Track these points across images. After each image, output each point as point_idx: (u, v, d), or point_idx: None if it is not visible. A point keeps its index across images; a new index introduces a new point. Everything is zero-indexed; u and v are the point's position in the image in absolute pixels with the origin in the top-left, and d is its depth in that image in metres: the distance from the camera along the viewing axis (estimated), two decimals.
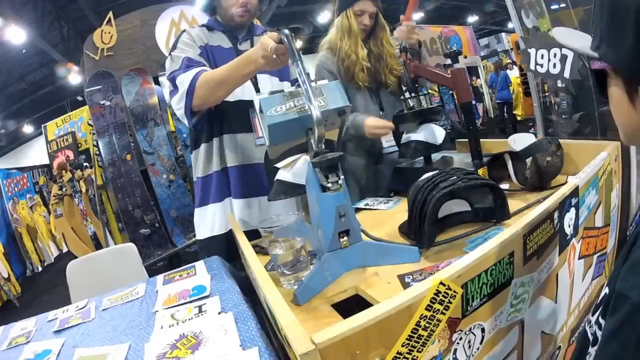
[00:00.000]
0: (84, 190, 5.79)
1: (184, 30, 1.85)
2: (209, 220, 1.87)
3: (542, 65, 2.29)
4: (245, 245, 1.34)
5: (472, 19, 16.13)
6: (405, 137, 1.94)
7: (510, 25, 15.90)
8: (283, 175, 1.46)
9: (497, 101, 10.29)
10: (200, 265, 1.63)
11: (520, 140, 1.65)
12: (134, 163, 4.88)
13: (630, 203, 2.13)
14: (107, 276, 2.25)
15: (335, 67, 2.16)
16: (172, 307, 1.33)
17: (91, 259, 2.38)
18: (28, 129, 14.59)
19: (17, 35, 7.85)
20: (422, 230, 1.19)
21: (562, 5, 3.61)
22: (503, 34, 14.58)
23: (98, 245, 5.57)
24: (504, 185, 1.65)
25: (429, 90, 2.25)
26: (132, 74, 4.97)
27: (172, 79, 1.71)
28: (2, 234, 6.46)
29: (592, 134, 2.69)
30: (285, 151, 1.39)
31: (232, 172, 1.83)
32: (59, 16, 9.54)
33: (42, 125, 6.77)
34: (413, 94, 1.95)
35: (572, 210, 1.19)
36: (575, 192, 1.19)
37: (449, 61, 1.80)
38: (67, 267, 2.27)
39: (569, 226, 1.18)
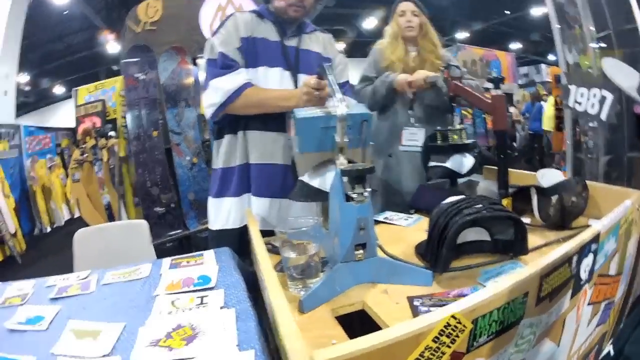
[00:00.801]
0: (105, 159, 5.76)
1: (232, 14, 1.84)
2: (224, 213, 1.84)
3: (580, 104, 2.25)
4: (257, 241, 1.32)
5: (515, 45, 15.98)
6: (433, 160, 1.95)
7: (551, 57, 15.78)
8: (309, 178, 1.45)
9: (529, 132, 10.18)
10: (209, 254, 1.59)
11: (547, 176, 1.63)
12: (160, 140, 4.86)
13: None
14: (115, 250, 2.22)
15: (375, 70, 2.38)
16: (174, 293, 1.30)
17: (101, 229, 2.36)
18: (59, 89, 14.62)
19: None
20: (439, 254, 1.17)
21: (604, 45, 3.54)
22: (543, 65, 14.40)
23: (111, 216, 5.55)
24: (526, 220, 1.60)
25: (462, 111, 2.27)
26: (171, 51, 4.95)
27: (209, 70, 1.75)
28: (16, 190, 6.47)
29: (619, 178, 2.62)
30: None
31: (254, 168, 1.80)
32: None
33: (74, 89, 6.72)
34: (450, 114, 1.94)
35: (591, 256, 1.15)
36: (596, 238, 1.15)
37: (486, 84, 1.79)
38: (75, 235, 2.25)
39: (585, 271, 1.14)
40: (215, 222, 1.88)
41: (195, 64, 5.05)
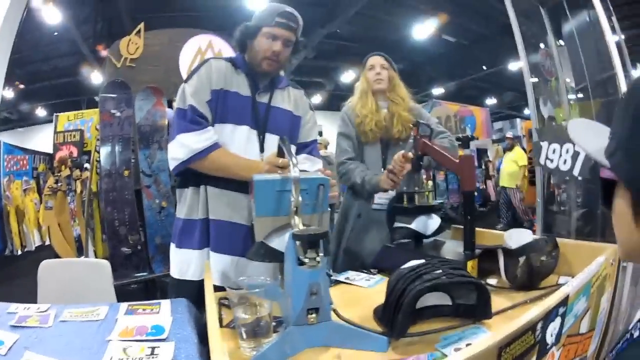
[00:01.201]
0: (78, 190, 5.74)
1: (207, 60, 1.81)
2: (184, 264, 1.80)
3: (552, 160, 2.25)
4: (209, 296, 1.29)
5: (491, 101, 16.32)
6: (397, 222, 1.95)
7: (526, 111, 16.11)
8: (268, 238, 1.42)
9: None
10: (166, 304, 1.56)
11: (516, 236, 1.59)
12: (130, 180, 4.80)
13: (621, 305, 2.08)
14: (77, 286, 2.22)
15: (350, 124, 2.40)
16: (126, 340, 1.29)
17: (65, 264, 2.42)
18: (41, 112, 14.43)
19: (52, 15, 7.78)
20: (395, 320, 1.12)
21: (580, 95, 3.59)
22: (518, 120, 14.72)
23: (80, 249, 5.47)
24: (492, 281, 1.60)
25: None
26: (147, 91, 4.94)
27: (176, 127, 1.73)
28: None
29: (593, 233, 2.62)
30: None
31: (213, 225, 1.76)
32: (97, 10, 9.44)
33: (55, 114, 6.77)
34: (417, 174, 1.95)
35: (558, 319, 1.13)
36: (564, 301, 1.14)
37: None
38: (40, 266, 2.27)
39: (551, 335, 1.12)
40: (176, 271, 1.84)
41: (170, 106, 5.02)
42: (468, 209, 1.71)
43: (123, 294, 1.95)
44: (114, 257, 4.55)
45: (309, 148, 1.93)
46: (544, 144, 2.30)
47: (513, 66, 11.96)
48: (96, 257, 5.14)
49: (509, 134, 9.61)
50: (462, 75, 13.83)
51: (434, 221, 1.91)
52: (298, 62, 10.05)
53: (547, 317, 1.07)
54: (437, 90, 14.76)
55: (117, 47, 5.06)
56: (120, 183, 4.77)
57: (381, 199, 2.33)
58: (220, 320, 1.31)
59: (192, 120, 1.69)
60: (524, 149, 10.04)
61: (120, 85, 4.93)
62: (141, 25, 5.13)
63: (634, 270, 2.21)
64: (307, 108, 1.98)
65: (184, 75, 4.95)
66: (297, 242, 1.07)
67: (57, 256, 5.37)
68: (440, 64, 12.68)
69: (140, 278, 4.61)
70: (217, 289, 1.44)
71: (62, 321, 1.42)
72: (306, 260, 1.05)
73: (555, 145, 2.24)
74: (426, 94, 14.04)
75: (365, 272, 1.82)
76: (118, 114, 4.85)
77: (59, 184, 5.93)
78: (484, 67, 13.45)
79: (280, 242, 1.35)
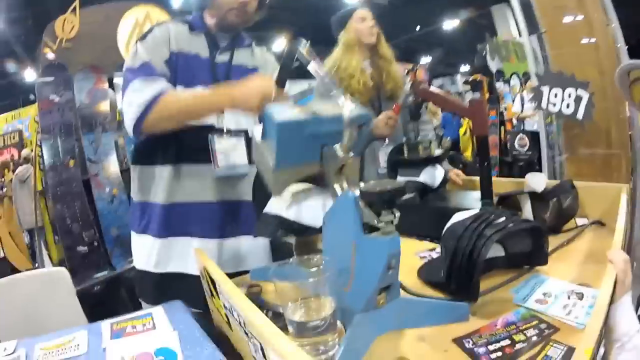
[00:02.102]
0: (33, 190, 5.34)
1: (163, 22, 1.61)
2: (145, 252, 1.58)
3: (554, 105, 2.23)
4: (234, 290, 0.98)
5: (426, 59, 16.44)
6: (400, 176, 1.82)
7: (463, 69, 16.37)
8: (280, 208, 1.18)
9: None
10: (158, 313, 1.23)
11: (536, 180, 1.53)
12: (77, 171, 4.49)
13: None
14: (35, 306, 1.85)
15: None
16: None
17: (14, 282, 1.93)
18: None
19: None
20: (470, 281, 1.01)
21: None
22: (457, 76, 14.93)
23: (34, 255, 5.17)
24: None
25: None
26: (86, 70, 4.62)
27: (126, 81, 1.46)
28: None
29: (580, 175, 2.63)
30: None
31: (193, 208, 1.54)
32: (25, 9, 8.93)
33: None
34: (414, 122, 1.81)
35: None
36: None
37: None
38: None
39: None
40: (138, 261, 1.61)
41: (112, 84, 4.78)
42: (483, 155, 1.60)
43: (87, 300, 1.69)
44: (71, 259, 4.29)
45: None
46: (545, 89, 2.26)
47: (447, 25, 12.16)
48: (51, 261, 4.80)
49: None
50: (396, 36, 13.87)
51: (440, 172, 1.79)
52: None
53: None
54: None
55: (52, 28, 4.68)
56: (67, 175, 4.46)
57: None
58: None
59: (146, 73, 1.44)
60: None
61: (57, 67, 4.57)
62: (76, 2, 4.72)
63: None
64: (275, 65, 1.72)
65: (123, 52, 4.71)
66: (365, 204, 0.86)
67: (13, 268, 5.02)
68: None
69: (102, 278, 4.12)
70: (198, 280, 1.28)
71: None
72: (381, 226, 0.84)
73: (557, 90, 2.20)
74: None
75: None
76: (57, 99, 4.51)
77: (4, 190, 5.63)
78: (418, 28, 13.46)
79: (299, 212, 1.14)
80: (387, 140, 2.03)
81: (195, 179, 1.53)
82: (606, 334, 0.92)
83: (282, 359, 0.69)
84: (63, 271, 2.01)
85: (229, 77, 1.58)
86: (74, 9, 4.72)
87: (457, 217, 1.16)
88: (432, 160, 1.79)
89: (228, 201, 1.57)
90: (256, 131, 1.06)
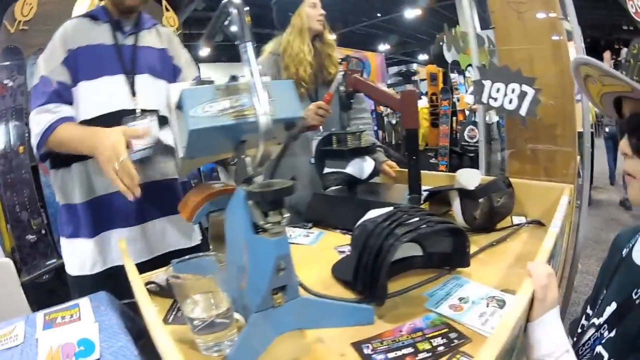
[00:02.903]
0: None
1: (64, 24, 1.64)
2: (78, 257, 1.57)
3: (495, 99, 2.17)
4: (138, 285, 1.00)
5: (384, 47, 16.49)
6: (328, 165, 1.74)
7: (420, 57, 16.52)
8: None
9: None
10: (85, 305, 1.24)
11: (468, 176, 1.46)
12: (26, 157, 4.23)
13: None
14: None
15: (276, 69, 2.12)
16: None
17: None
18: None
19: None
20: (375, 283, 0.94)
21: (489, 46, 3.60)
22: (414, 65, 15.02)
23: None
24: None
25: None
26: (38, 53, 4.38)
27: (31, 100, 1.54)
28: None
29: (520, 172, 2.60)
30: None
31: (110, 198, 1.53)
32: None
33: None
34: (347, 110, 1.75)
35: (551, 263, 1.02)
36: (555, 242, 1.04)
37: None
38: None
39: None
40: (72, 267, 1.59)
41: None
42: (412, 148, 1.56)
43: (37, 289, 1.66)
44: (21, 247, 4.06)
45: None
46: (487, 83, 2.19)
47: (409, 14, 12.11)
48: (4, 251, 4.60)
49: None
50: (354, 22, 13.82)
51: (369, 164, 1.73)
52: (187, 14, 9.80)
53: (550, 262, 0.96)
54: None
55: (12, 10, 4.44)
56: (17, 162, 4.23)
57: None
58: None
59: (41, 95, 1.50)
60: (421, 93, 10.28)
61: (12, 51, 4.35)
62: None
63: None
64: (181, 46, 1.80)
65: None
66: (252, 202, 0.82)
67: None
68: (332, 10, 12.56)
69: (51, 266, 4.06)
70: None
71: None
72: (267, 227, 0.80)
73: (500, 85, 2.15)
74: None
75: (300, 227, 1.65)
76: (10, 83, 4.27)
77: None
78: (379, 15, 13.44)
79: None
80: (321, 129, 1.97)
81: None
82: (526, 353, 0.87)
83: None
84: (8, 262, 2.07)
85: (136, 58, 1.61)
86: None
87: (371, 214, 1.11)
88: (361, 152, 1.72)
89: (149, 182, 1.55)
90: (172, 91, 0.95)
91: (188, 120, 0.87)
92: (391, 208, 1.09)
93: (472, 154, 6.51)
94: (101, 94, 1.53)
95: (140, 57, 1.62)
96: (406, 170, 1.57)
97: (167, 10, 5.25)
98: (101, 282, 1.47)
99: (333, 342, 0.87)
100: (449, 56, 6.29)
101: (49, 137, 1.44)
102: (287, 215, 0.82)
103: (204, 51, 14.51)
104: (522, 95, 2.06)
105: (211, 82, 0.94)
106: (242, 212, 0.84)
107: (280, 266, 0.82)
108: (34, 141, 1.48)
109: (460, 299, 0.97)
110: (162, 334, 0.74)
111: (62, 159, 1.55)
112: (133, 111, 1.53)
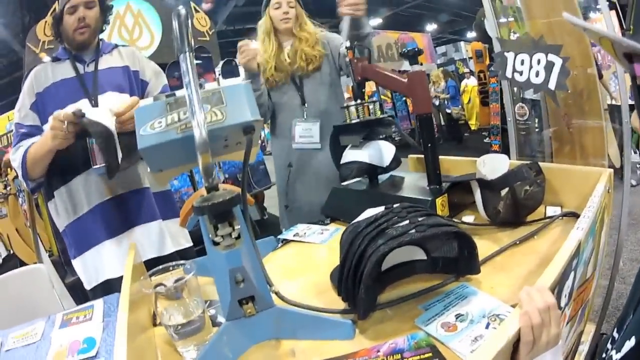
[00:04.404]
0: (27, 190, 5.34)
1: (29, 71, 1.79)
2: (93, 266, 1.70)
3: (521, 73, 1.92)
4: (124, 294, 0.97)
5: (431, 27, 16.11)
6: (346, 156, 1.61)
7: (469, 35, 16.00)
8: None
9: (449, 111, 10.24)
10: (99, 306, 1.35)
11: (490, 163, 1.31)
12: None
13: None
14: (21, 300, 2.01)
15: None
16: None
17: (3, 281, 2.10)
18: None
19: None
20: (357, 295, 0.84)
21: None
22: (462, 43, 14.58)
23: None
24: (468, 218, 1.34)
25: (382, 96, 1.96)
26: None
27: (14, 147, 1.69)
28: None
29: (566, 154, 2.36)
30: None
31: (89, 215, 1.68)
32: (21, 5, 9.08)
33: None
34: (359, 101, 1.62)
35: (571, 276, 0.86)
36: (576, 252, 0.86)
37: (405, 66, 1.48)
38: None
39: (565, 296, 0.85)
40: (92, 279, 1.70)
41: None
42: (426, 136, 1.42)
43: (82, 290, 1.78)
44: (65, 251, 4.19)
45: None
46: (510, 55, 1.94)
47: None
48: (52, 255, 4.86)
49: None
50: (397, 4, 13.53)
51: (389, 149, 1.58)
52: (229, 11, 9.87)
53: (562, 279, 0.80)
54: (375, 21, 14.39)
55: (34, 33, 4.72)
56: None
57: (303, 138, 2.16)
58: (155, 315, 1.07)
59: (15, 139, 1.68)
60: (471, 71, 9.95)
61: None
62: (56, 4, 4.58)
63: None
64: (146, 61, 1.90)
65: None
66: (204, 217, 0.79)
67: (23, 263, 5.07)
68: None
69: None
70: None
71: (8, 350, 1.25)
72: (219, 240, 0.78)
73: (524, 55, 1.90)
74: None
75: (317, 224, 1.56)
76: None
77: (8, 188, 5.58)
78: None
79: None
80: (305, 116, 2.13)
81: (84, 186, 1.66)
82: None
83: None
84: (41, 268, 2.17)
85: (97, 81, 1.72)
86: (54, 10, 4.59)
87: (366, 214, 1.00)
88: (375, 123, 1.58)
89: (120, 195, 1.69)
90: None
91: (138, 139, 0.87)
92: (382, 208, 0.98)
93: (523, 132, 6.21)
94: None
95: (102, 78, 1.72)
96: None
97: (197, 11, 5.35)
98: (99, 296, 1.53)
99: (303, 356, 0.83)
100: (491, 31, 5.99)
101: (27, 164, 1.58)
102: (238, 227, 0.79)
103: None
104: (549, 67, 1.79)
105: (172, 94, 0.92)
106: (203, 226, 0.81)
107: (237, 278, 0.81)
108: (20, 175, 1.64)
109: (457, 316, 0.84)
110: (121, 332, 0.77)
111: (47, 191, 1.71)
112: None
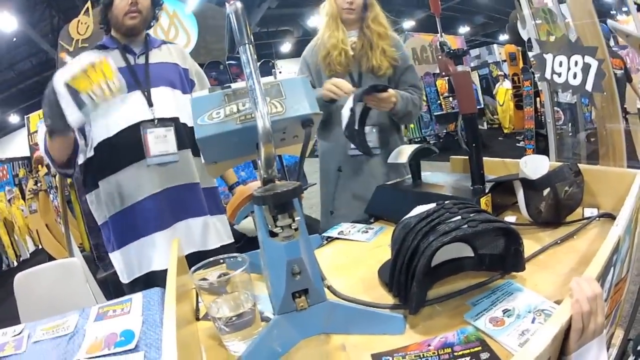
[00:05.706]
0: (59, 186, 5.44)
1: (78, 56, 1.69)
2: (118, 269, 1.75)
3: (559, 75, 1.91)
4: (170, 287, 0.97)
5: (464, 29, 15.99)
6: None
7: (501, 37, 15.83)
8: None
9: None
10: (137, 299, 1.33)
11: (533, 164, 1.32)
12: None
13: None
14: (53, 294, 2.07)
15: (315, 56, 2.07)
16: (94, 357, 1.07)
17: (36, 274, 2.16)
18: (14, 119, 14.45)
19: (8, 22, 7.86)
20: (409, 290, 0.86)
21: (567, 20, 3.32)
22: (495, 46, 14.42)
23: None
24: (510, 218, 1.35)
25: None
26: None
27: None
28: None
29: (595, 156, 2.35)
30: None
31: (135, 207, 1.68)
32: (50, 5, 9.47)
33: (25, 116, 6.60)
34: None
35: (611, 271, 0.86)
36: (616, 247, 0.86)
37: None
38: (14, 281, 2.11)
39: (606, 292, 0.84)
40: (134, 270, 1.72)
41: None
42: (471, 135, 1.43)
43: (115, 285, 1.93)
44: (98, 247, 4.26)
45: None
46: (549, 57, 1.93)
47: None
48: (83, 251, 4.91)
49: None
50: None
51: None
52: (262, 13, 9.95)
53: (605, 273, 0.81)
54: (408, 23, 14.39)
55: (67, 31, 4.76)
56: None
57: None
58: (197, 309, 1.09)
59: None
60: (505, 74, 9.83)
61: None
62: (88, 4, 4.78)
63: None
64: (192, 60, 1.92)
65: None
66: (263, 207, 0.78)
67: (51, 258, 5.13)
68: None
69: None
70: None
71: (35, 342, 1.23)
72: (278, 231, 0.77)
73: (562, 57, 1.89)
74: (397, 28, 13.85)
75: (362, 223, 1.56)
76: None
77: (39, 185, 5.78)
78: None
79: None
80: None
81: (135, 177, 1.66)
82: None
83: None
84: (75, 262, 2.24)
85: (148, 74, 1.72)
86: (87, 10, 4.79)
87: (417, 210, 1.01)
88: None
89: (171, 188, 1.69)
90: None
91: (196, 128, 0.87)
92: (434, 205, 0.99)
93: (557, 136, 6.09)
94: (120, 110, 1.64)
95: (154, 72, 1.73)
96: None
97: None
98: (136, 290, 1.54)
99: (354, 351, 0.82)
100: (524, 34, 5.92)
101: (46, 140, 1.50)
102: (298, 218, 0.77)
103: (285, 47, 14.89)
104: (586, 68, 1.80)
105: (228, 86, 0.91)
106: (259, 216, 0.81)
107: (294, 270, 0.82)
108: (42, 151, 1.57)
109: (505, 311, 0.85)
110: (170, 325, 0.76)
111: (91, 181, 1.71)
112: (152, 121, 1.67)
